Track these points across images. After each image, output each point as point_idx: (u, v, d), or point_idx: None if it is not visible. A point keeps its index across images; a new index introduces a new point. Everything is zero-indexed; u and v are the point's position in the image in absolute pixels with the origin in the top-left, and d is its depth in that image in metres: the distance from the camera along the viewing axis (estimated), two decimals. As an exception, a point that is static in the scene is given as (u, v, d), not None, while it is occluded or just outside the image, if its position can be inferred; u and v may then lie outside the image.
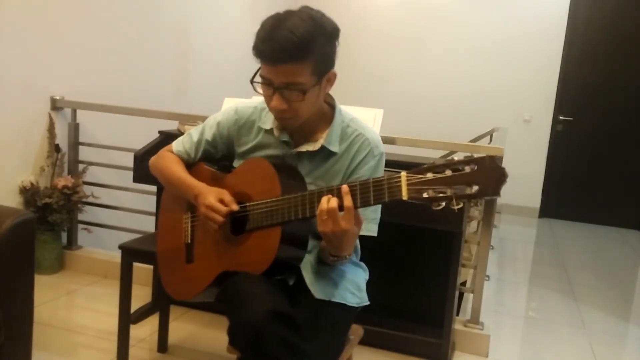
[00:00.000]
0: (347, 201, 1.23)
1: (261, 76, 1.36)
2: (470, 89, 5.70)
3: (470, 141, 4.11)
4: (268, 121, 1.52)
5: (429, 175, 1.15)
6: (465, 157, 1.16)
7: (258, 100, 1.56)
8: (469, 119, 5.56)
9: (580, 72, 5.46)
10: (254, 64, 1.38)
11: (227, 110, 1.59)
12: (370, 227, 1.48)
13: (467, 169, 1.13)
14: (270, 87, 1.35)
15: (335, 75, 1.43)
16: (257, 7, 5.17)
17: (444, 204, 1.14)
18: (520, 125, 5.57)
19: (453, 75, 5.76)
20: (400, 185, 1.18)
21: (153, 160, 1.67)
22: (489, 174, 1.11)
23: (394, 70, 5.86)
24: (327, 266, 1.48)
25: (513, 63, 5.55)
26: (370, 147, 1.48)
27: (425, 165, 1.17)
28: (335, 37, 1.37)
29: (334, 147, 1.47)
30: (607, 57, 5.38)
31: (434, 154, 2.83)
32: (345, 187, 1.24)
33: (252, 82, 1.40)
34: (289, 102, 1.36)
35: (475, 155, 1.14)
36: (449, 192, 1.13)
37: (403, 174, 1.18)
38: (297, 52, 1.30)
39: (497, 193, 1.10)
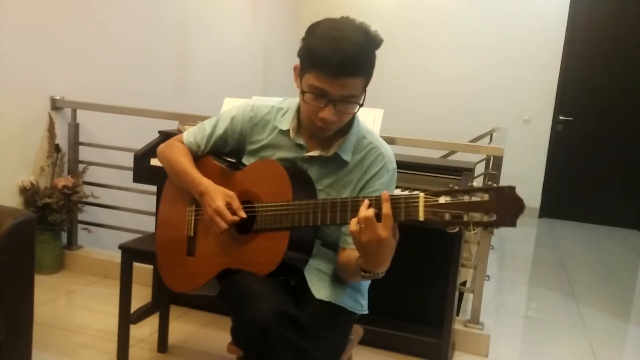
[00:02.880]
0: (386, 208, 1.19)
1: (312, 86, 1.31)
2: (470, 89, 5.70)
3: (470, 141, 4.11)
4: (285, 122, 1.49)
5: (448, 199, 1.15)
6: (484, 185, 1.16)
7: (275, 100, 1.56)
8: (469, 119, 5.55)
9: (580, 72, 5.46)
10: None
11: (244, 106, 1.57)
12: None
13: (486, 197, 1.12)
14: (324, 98, 1.32)
15: None
16: (257, 7, 5.18)
17: (458, 228, 1.14)
18: (520, 125, 5.57)
19: (453, 75, 5.76)
20: (417, 206, 1.17)
21: (162, 147, 1.65)
22: (507, 204, 1.10)
23: (394, 70, 5.85)
24: (329, 268, 1.48)
25: (513, 63, 5.55)
26: (384, 162, 1.46)
27: (444, 189, 1.16)
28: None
29: (347, 157, 1.45)
30: (607, 57, 5.38)
31: (434, 154, 2.82)
32: (385, 194, 1.20)
33: (302, 92, 1.34)
34: (339, 113, 1.34)
35: (495, 184, 1.14)
36: (465, 217, 1.13)
37: (421, 194, 1.17)
38: (362, 67, 1.29)
39: (514, 224, 1.10)
